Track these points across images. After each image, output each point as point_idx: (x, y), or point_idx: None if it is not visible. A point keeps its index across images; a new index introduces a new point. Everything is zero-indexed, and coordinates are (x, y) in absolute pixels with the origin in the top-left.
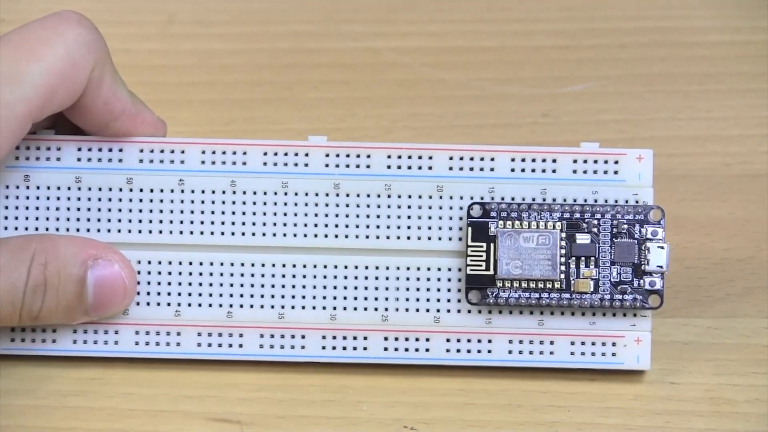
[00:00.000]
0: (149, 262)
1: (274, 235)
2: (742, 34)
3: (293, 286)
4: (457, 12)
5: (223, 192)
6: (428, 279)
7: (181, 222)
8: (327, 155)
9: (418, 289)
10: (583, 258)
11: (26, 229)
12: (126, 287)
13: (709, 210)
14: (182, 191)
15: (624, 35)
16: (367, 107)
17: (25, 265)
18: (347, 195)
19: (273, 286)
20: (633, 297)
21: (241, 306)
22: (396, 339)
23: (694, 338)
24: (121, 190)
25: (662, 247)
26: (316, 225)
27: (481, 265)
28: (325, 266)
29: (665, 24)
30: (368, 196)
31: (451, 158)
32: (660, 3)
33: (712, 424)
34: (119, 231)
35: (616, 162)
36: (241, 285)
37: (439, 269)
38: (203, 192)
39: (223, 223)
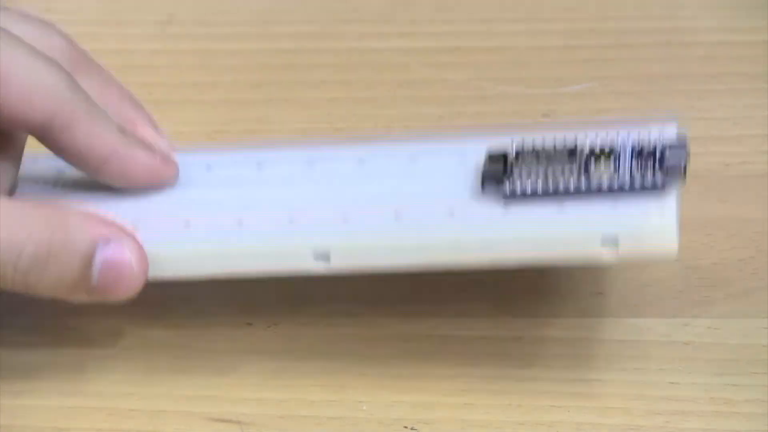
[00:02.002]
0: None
1: None
2: (742, 34)
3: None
4: (457, 12)
5: None
6: (444, 187)
7: None
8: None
9: (433, 194)
10: (602, 157)
11: None
12: (134, 276)
13: (709, 210)
14: None
15: (624, 35)
16: (367, 107)
17: (30, 229)
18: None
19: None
20: (653, 176)
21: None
22: (409, 226)
23: (694, 338)
24: None
25: (682, 148)
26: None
27: (498, 169)
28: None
29: (665, 24)
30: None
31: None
32: (660, 3)
33: (712, 424)
34: None
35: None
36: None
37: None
38: None
39: None
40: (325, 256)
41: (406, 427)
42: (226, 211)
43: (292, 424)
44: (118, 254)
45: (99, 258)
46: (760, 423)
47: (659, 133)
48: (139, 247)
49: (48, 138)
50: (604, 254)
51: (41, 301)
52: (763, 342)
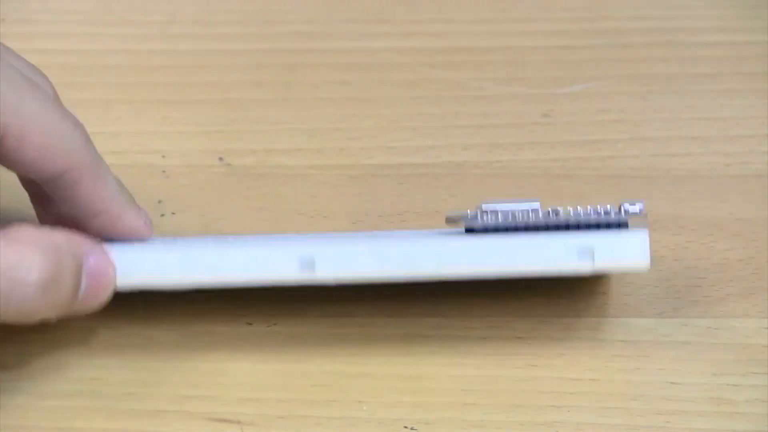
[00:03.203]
0: None
1: None
2: (742, 34)
3: None
4: (457, 12)
5: None
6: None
7: None
8: None
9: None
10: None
11: None
12: (111, 280)
13: (709, 210)
14: None
15: (624, 35)
16: (367, 107)
17: (30, 263)
18: None
19: None
20: (617, 215)
21: None
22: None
23: (694, 338)
24: None
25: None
26: None
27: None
28: None
29: (665, 24)
30: None
31: None
32: (660, 3)
33: (712, 424)
34: None
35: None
36: None
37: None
38: None
39: None
40: (311, 263)
41: (406, 427)
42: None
43: (292, 424)
44: (101, 262)
45: (85, 272)
46: (760, 423)
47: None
48: (107, 251)
49: (51, 187)
50: (581, 266)
51: None
52: (763, 342)
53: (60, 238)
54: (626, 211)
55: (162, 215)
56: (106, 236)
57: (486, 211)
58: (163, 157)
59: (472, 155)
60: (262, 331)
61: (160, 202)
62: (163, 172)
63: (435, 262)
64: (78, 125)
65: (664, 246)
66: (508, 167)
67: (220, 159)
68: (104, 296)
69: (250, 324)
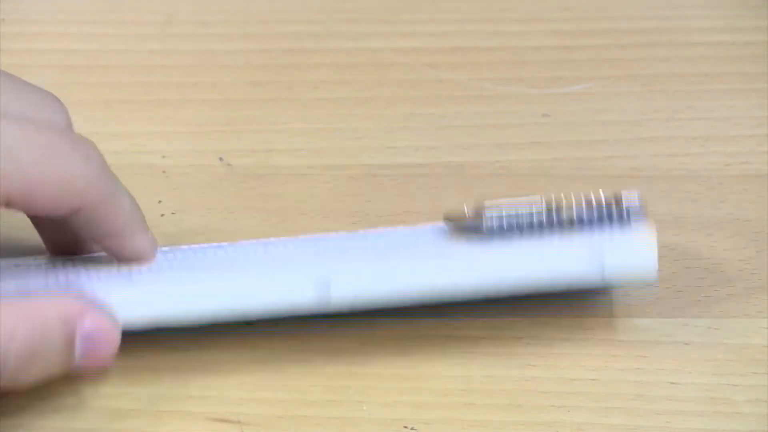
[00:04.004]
0: None
1: None
2: (742, 34)
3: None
4: (457, 12)
5: None
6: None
7: None
8: None
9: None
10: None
11: None
12: (112, 339)
13: (709, 210)
14: None
15: (624, 35)
16: (367, 107)
17: (11, 333)
18: None
19: None
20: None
21: None
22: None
23: (694, 338)
24: None
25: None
26: None
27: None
28: None
29: (665, 24)
30: None
31: None
32: (660, 3)
33: (712, 424)
34: None
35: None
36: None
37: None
38: None
39: None
40: (326, 284)
41: (406, 427)
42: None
43: (292, 424)
44: (98, 324)
45: (79, 337)
46: (760, 423)
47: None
48: (112, 317)
49: (67, 218)
50: (591, 280)
51: None
52: (763, 342)
53: (47, 307)
54: (629, 211)
55: (162, 215)
56: (112, 256)
57: (491, 215)
58: (163, 157)
59: (472, 155)
60: (262, 331)
61: (160, 202)
62: (163, 172)
63: (445, 286)
64: (90, 155)
65: (664, 246)
66: (508, 167)
67: (220, 159)
68: (107, 356)
69: (250, 324)
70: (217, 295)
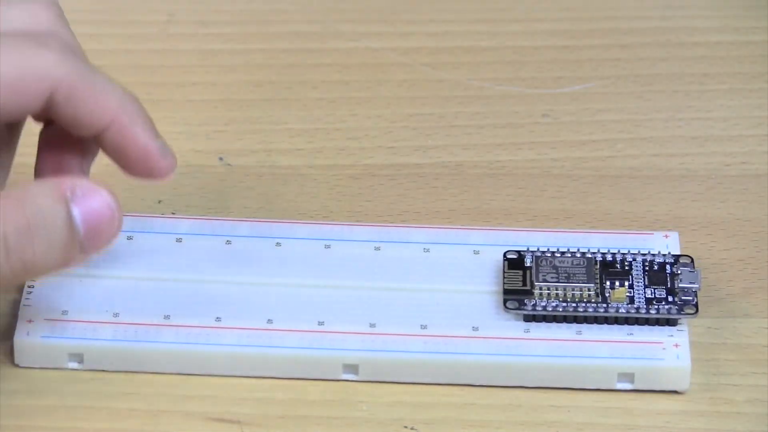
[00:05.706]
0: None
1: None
2: (742, 34)
3: (333, 304)
4: (457, 12)
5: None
6: (468, 301)
7: None
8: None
9: (458, 308)
10: (617, 280)
11: None
12: (114, 217)
13: (709, 210)
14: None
15: (624, 35)
16: (367, 107)
17: (3, 215)
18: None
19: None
20: (668, 307)
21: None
22: (435, 344)
23: (695, 338)
24: None
25: (693, 271)
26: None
27: (518, 282)
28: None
29: (665, 24)
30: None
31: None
32: (660, 3)
33: (712, 424)
34: None
35: (644, 241)
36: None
37: (478, 293)
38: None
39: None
40: (354, 369)
41: (406, 427)
42: (256, 310)
43: (292, 424)
44: (92, 199)
45: (76, 210)
46: (760, 423)
47: (666, 246)
48: (109, 191)
49: (52, 113)
50: (620, 387)
51: None
52: (763, 342)
53: (34, 186)
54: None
55: (162, 215)
56: (120, 164)
57: (540, 298)
58: None
59: (472, 155)
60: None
61: (160, 202)
62: None
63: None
64: (54, 42)
65: None
66: (508, 167)
67: (220, 159)
68: (109, 232)
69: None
70: None
